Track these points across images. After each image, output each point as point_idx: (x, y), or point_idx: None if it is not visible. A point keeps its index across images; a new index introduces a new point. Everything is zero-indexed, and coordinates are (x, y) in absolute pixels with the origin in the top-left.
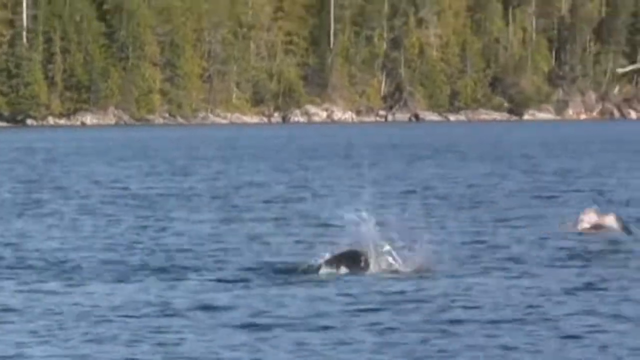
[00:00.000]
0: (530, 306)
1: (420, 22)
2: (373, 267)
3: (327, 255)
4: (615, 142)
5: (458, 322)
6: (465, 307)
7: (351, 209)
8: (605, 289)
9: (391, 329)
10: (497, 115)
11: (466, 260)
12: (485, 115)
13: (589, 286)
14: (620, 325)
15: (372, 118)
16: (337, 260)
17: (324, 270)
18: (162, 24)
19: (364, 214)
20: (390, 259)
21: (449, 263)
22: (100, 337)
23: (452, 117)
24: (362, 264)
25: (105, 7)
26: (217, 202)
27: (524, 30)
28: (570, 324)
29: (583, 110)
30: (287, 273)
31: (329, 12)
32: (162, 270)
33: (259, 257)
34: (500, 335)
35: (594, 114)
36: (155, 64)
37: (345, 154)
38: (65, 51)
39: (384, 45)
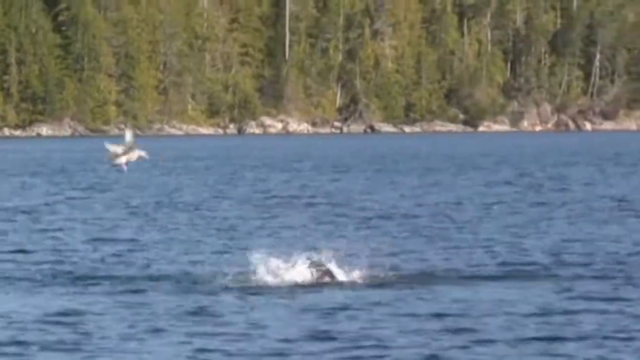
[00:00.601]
0: (463, 316)
1: (375, 33)
2: (311, 277)
3: (266, 264)
4: (570, 154)
5: (396, 332)
6: (397, 317)
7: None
8: (535, 299)
9: (331, 337)
10: (452, 127)
11: (399, 271)
12: (441, 126)
13: (522, 300)
14: (540, 333)
15: (327, 129)
16: (276, 269)
17: (261, 279)
18: (117, 35)
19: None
20: (329, 270)
21: (381, 274)
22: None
23: (407, 129)
24: (303, 273)
25: (60, 19)
26: (161, 212)
27: (479, 42)
28: (496, 332)
29: (538, 121)
30: (219, 281)
31: (284, 24)
32: (84, 278)
33: (191, 267)
34: (434, 344)
35: (549, 125)
36: (110, 76)
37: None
38: (20, 62)
39: (339, 57)
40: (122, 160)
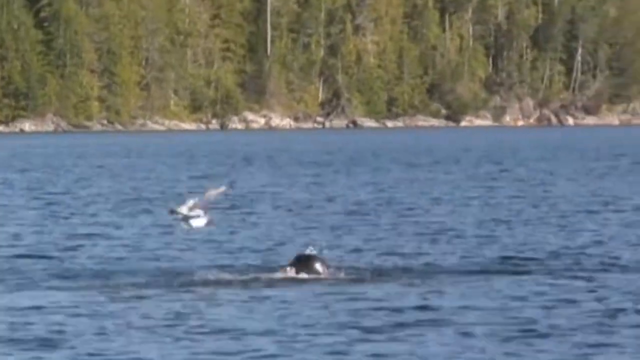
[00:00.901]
0: (442, 309)
1: (357, 29)
2: (291, 272)
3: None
4: (552, 149)
5: (375, 325)
6: (377, 311)
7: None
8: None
9: (311, 333)
10: (434, 122)
11: (378, 265)
12: (423, 121)
13: (501, 293)
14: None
15: (309, 124)
16: (254, 263)
17: (240, 273)
18: (99, 31)
19: None
20: (309, 265)
21: (361, 268)
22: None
23: (389, 124)
24: (283, 268)
25: (42, 15)
26: (141, 208)
27: (461, 37)
28: (475, 325)
29: (520, 116)
30: (197, 277)
31: (265, 19)
32: (61, 274)
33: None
34: (416, 337)
35: (532, 120)
36: (92, 71)
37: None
38: (2, 59)
39: (321, 52)
40: (193, 221)
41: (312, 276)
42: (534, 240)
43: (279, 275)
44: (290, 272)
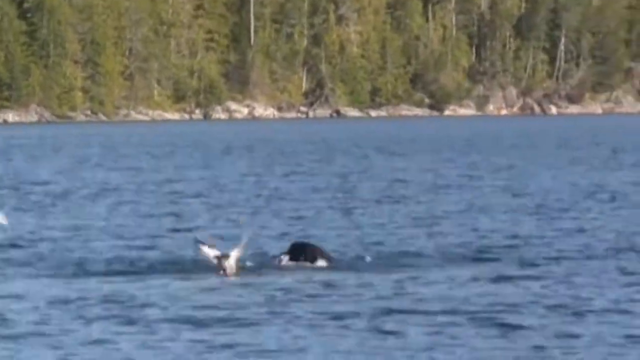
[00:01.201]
0: (422, 298)
1: (340, 19)
2: (276, 261)
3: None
4: (535, 137)
5: (356, 313)
6: (356, 297)
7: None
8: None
9: (287, 320)
10: (418, 111)
11: (360, 256)
12: (407, 111)
13: (478, 280)
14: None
15: (293, 114)
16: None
17: (221, 262)
18: (82, 22)
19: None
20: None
21: (339, 258)
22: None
23: (373, 113)
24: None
25: (25, 5)
26: (124, 198)
27: (444, 27)
28: (457, 314)
29: (504, 105)
30: (177, 265)
31: (249, 10)
32: (27, 262)
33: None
34: (401, 325)
35: (515, 109)
36: (76, 62)
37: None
38: None
39: (305, 42)
40: (224, 265)
41: (309, 265)
42: (515, 228)
43: (264, 263)
44: (285, 261)
